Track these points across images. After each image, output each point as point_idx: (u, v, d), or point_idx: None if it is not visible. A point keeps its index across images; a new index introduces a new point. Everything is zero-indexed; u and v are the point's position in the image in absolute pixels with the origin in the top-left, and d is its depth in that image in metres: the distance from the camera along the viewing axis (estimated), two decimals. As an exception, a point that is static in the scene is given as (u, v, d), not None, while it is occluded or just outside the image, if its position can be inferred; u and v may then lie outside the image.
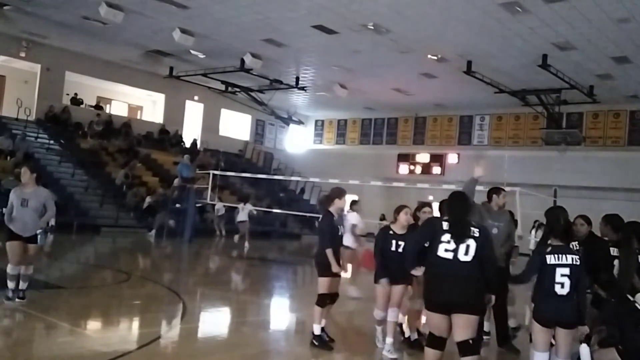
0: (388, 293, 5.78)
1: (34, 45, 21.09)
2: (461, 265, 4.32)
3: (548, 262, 4.56)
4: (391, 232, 5.86)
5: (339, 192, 6.18)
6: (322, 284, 5.99)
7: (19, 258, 6.64)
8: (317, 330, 5.98)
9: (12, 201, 6.65)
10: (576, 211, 5.96)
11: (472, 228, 4.42)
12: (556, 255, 4.55)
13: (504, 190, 6.61)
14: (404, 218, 5.90)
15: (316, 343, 5.94)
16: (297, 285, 12.48)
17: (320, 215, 6.46)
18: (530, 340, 4.87)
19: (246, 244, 17.17)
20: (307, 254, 19.35)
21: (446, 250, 4.38)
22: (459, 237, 4.37)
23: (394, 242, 5.80)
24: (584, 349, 4.56)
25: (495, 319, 6.37)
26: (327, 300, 6.00)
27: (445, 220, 4.52)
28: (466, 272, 4.32)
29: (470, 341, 4.32)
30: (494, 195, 6.44)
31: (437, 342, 4.44)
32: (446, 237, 4.40)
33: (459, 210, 4.55)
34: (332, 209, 6.11)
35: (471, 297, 4.35)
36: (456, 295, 4.30)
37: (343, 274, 6.63)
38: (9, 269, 6.64)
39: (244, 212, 17.88)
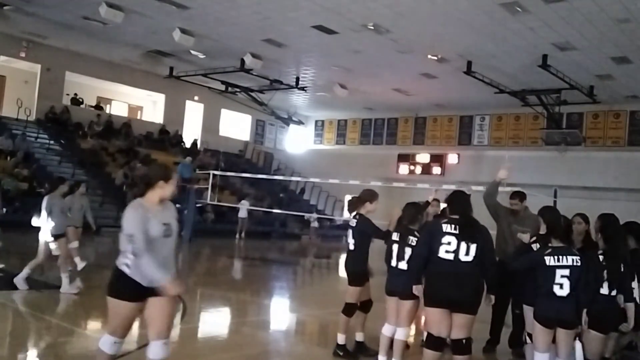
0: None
1: (34, 45, 21.09)
2: (462, 265, 4.37)
3: (547, 264, 4.55)
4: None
5: (371, 195, 5.76)
6: (353, 294, 5.62)
7: (131, 324, 3.96)
8: (341, 340, 5.61)
9: (143, 232, 3.70)
10: (576, 211, 5.95)
11: None
12: (556, 257, 4.55)
13: (518, 193, 6.56)
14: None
15: (340, 353, 5.59)
16: (297, 285, 12.48)
17: (350, 219, 5.86)
18: (531, 341, 4.89)
19: (242, 235, 19.89)
20: (307, 254, 19.40)
21: (447, 251, 4.41)
22: (466, 237, 4.39)
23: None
24: (578, 346, 4.60)
25: (513, 322, 6.30)
26: (355, 309, 5.65)
27: (445, 222, 4.54)
28: (467, 272, 4.37)
29: (464, 341, 4.40)
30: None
31: (435, 342, 4.47)
32: (446, 238, 4.43)
33: (464, 209, 4.56)
34: (362, 211, 5.70)
35: (470, 296, 4.40)
36: (456, 293, 4.36)
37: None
38: (108, 345, 3.83)
39: (243, 209, 19.44)
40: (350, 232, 5.73)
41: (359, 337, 5.77)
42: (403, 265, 5.08)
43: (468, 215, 4.54)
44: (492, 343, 6.44)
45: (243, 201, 20.69)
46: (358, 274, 5.65)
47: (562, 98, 19.09)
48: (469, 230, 4.43)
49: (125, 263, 3.75)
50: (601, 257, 4.89)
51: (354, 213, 5.78)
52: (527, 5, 13.08)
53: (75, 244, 9.57)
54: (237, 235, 20.24)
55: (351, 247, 5.68)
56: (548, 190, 13.18)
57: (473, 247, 4.38)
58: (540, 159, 22.71)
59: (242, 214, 20.39)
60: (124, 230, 3.73)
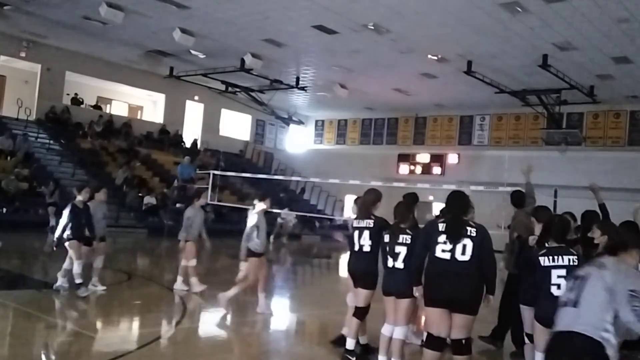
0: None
1: (34, 45, 21.08)
2: (459, 264, 4.38)
3: (542, 264, 4.54)
4: None
5: (377, 194, 5.77)
6: (367, 297, 5.54)
7: None
8: (350, 345, 5.53)
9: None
10: (576, 211, 5.96)
11: (469, 228, 4.45)
12: (551, 257, 4.53)
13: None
14: None
15: (352, 358, 5.51)
16: (297, 285, 12.47)
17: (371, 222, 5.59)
18: (531, 341, 4.89)
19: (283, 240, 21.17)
20: (308, 254, 19.39)
21: (443, 250, 4.43)
22: (454, 237, 4.41)
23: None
24: None
25: (509, 321, 6.33)
26: (366, 313, 5.59)
27: (442, 222, 4.56)
28: (464, 272, 4.37)
29: (463, 341, 4.40)
30: None
31: (435, 342, 4.47)
32: (442, 237, 4.44)
33: (454, 210, 4.59)
34: (375, 212, 5.65)
35: (468, 295, 4.40)
36: (454, 293, 4.36)
37: None
38: None
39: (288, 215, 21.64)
40: (366, 233, 5.53)
41: (363, 339, 5.76)
42: (399, 264, 5.08)
43: (457, 215, 4.56)
44: (518, 341, 6.41)
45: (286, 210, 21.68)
46: (374, 276, 5.55)
47: (562, 98, 19.08)
48: (452, 230, 4.45)
49: (603, 337, 2.87)
50: None
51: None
52: (528, 5, 13.07)
53: (193, 262, 9.02)
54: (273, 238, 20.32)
55: (366, 248, 5.52)
56: (548, 190, 13.19)
57: (469, 246, 4.38)
58: (541, 159, 22.62)
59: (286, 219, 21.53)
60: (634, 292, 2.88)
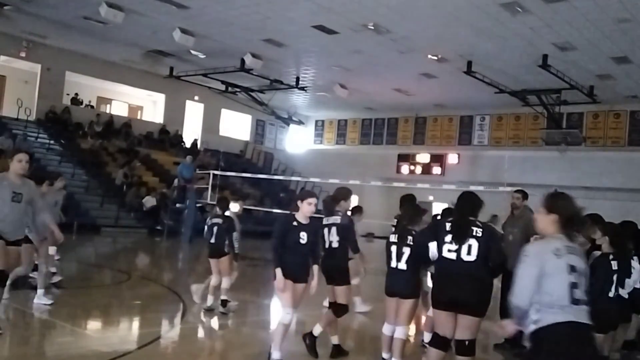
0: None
1: (34, 45, 21.09)
2: (465, 265, 4.38)
3: None
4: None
5: (346, 194, 5.89)
6: (347, 293, 5.65)
7: None
8: (335, 340, 5.72)
9: None
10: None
11: (474, 228, 4.45)
12: None
13: (521, 190, 6.61)
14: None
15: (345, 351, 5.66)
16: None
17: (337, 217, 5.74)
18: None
19: None
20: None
21: (449, 250, 4.44)
22: (459, 237, 4.42)
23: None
24: None
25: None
26: (347, 311, 5.67)
27: (448, 221, 4.58)
28: (470, 272, 4.37)
29: (467, 342, 4.39)
30: None
31: (440, 342, 4.48)
32: (449, 237, 4.45)
33: (461, 210, 4.60)
34: (339, 209, 5.78)
35: (474, 296, 4.39)
36: (460, 294, 4.36)
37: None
38: None
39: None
40: (334, 229, 5.65)
41: (335, 340, 5.77)
42: (402, 265, 5.08)
43: (463, 215, 4.56)
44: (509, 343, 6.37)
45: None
46: (347, 270, 5.68)
47: (562, 98, 19.09)
48: (457, 230, 4.47)
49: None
50: (614, 263, 4.82)
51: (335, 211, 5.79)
52: (527, 5, 13.08)
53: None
54: None
55: (335, 244, 5.63)
56: (548, 191, 13.17)
57: (475, 246, 4.38)
58: (540, 159, 22.71)
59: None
60: None
